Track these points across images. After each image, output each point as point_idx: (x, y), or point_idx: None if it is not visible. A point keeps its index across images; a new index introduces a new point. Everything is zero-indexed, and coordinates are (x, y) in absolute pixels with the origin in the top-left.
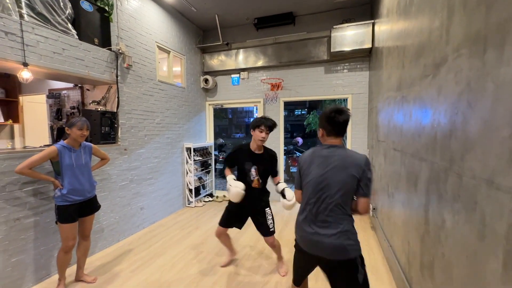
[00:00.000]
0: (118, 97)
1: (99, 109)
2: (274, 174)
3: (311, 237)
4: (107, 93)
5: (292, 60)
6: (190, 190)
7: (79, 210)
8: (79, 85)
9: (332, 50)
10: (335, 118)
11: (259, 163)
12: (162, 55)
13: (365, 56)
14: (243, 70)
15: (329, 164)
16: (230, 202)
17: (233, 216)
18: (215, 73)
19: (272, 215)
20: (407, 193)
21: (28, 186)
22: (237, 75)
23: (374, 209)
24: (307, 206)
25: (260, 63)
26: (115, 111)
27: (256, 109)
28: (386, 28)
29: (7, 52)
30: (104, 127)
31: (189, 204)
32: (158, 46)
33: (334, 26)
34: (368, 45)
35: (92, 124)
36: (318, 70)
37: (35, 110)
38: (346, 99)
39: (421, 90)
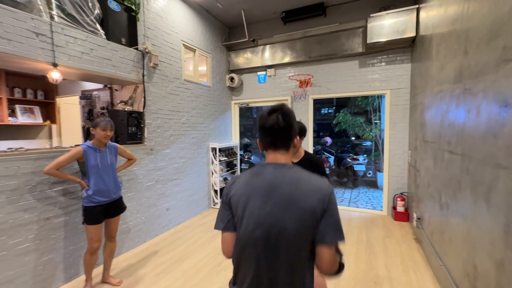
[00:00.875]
0: (144, 97)
1: (126, 109)
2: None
3: None
4: (134, 93)
5: (323, 54)
6: (216, 191)
7: (104, 212)
8: (108, 85)
9: (368, 41)
10: (265, 124)
11: None
12: (187, 55)
13: (406, 47)
14: (270, 67)
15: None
16: None
17: None
18: (240, 71)
19: None
20: (472, 206)
21: (58, 186)
22: (264, 73)
23: (419, 218)
24: (245, 267)
25: (287, 59)
26: (142, 111)
27: None
28: (438, 12)
29: (38, 53)
30: (131, 127)
31: (214, 205)
32: (184, 45)
33: (371, 15)
34: (411, 33)
35: (119, 124)
36: (351, 64)
37: (70, 111)
38: (383, 96)
39: (497, 79)
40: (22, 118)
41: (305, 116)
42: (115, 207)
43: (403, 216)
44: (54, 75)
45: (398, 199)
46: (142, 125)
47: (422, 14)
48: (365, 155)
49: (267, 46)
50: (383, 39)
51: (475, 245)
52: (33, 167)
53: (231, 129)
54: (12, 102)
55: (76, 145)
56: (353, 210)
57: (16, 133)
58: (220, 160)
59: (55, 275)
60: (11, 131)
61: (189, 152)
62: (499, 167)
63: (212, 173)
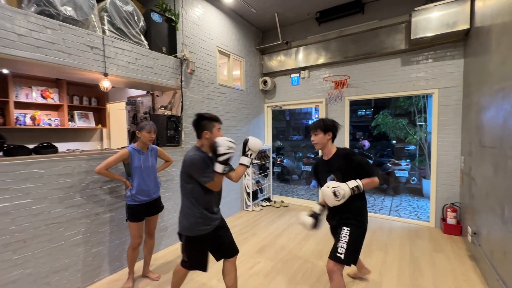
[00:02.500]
0: (182, 102)
1: (165, 114)
2: (364, 175)
3: None
4: (173, 98)
5: (360, 53)
6: (248, 194)
7: (145, 210)
8: (150, 91)
9: (412, 37)
10: None
11: (332, 170)
12: (222, 60)
13: (458, 41)
14: (303, 68)
15: None
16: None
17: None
18: (273, 74)
19: (350, 237)
20: None
21: (106, 184)
22: (297, 75)
23: (475, 233)
24: None
25: (322, 60)
26: (179, 115)
27: (316, 109)
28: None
29: (92, 64)
30: (170, 130)
31: (246, 208)
32: (219, 50)
33: (416, 8)
34: (464, 26)
35: (159, 127)
36: (392, 62)
37: (118, 115)
38: (431, 95)
39: None
40: (79, 123)
41: (341, 118)
42: (155, 206)
43: (454, 230)
44: (105, 84)
45: (449, 210)
46: (179, 129)
47: (478, 3)
48: (408, 160)
49: (301, 48)
50: (430, 34)
51: None
52: (86, 166)
53: (264, 132)
54: (71, 108)
55: (123, 147)
56: (395, 219)
57: (73, 135)
58: (253, 163)
59: (102, 266)
60: (70, 134)
61: None
62: None
63: (245, 176)
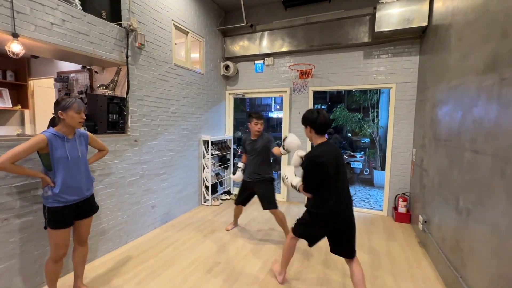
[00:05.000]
0: (128, 81)
1: (107, 94)
2: None
3: None
4: (116, 76)
5: (325, 43)
6: (207, 187)
7: (75, 212)
8: (88, 67)
9: (376, 30)
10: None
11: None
12: (179, 39)
13: (415, 38)
14: (268, 55)
15: None
16: None
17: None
18: (236, 59)
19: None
20: (510, 216)
21: (20, 180)
22: (261, 61)
23: (425, 222)
24: None
25: (287, 47)
26: (125, 96)
27: (275, 101)
28: None
29: None
30: (112, 114)
31: (205, 202)
32: (175, 25)
33: (381, 1)
34: (422, 23)
35: (98, 110)
36: (356, 55)
37: (45, 95)
38: (383, 91)
39: None
40: None
41: (305, 109)
42: (88, 207)
43: (404, 218)
44: (14, 48)
45: (400, 199)
46: (125, 113)
47: (437, 2)
48: (362, 152)
49: (266, 33)
50: (392, 28)
51: None
52: None
53: (225, 121)
54: None
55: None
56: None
57: None
58: (212, 154)
59: (12, 285)
60: None
61: (178, 144)
62: None
63: (204, 168)
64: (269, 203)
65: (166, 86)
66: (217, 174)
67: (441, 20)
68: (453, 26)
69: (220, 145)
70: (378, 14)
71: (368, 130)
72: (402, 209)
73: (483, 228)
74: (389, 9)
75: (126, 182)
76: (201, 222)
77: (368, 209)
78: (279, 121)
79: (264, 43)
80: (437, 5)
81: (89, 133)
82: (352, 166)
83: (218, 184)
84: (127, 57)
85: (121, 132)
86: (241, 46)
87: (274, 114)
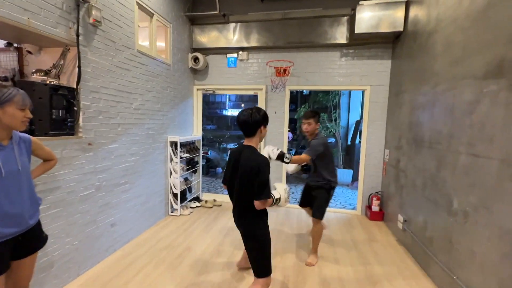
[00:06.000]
0: (79, 67)
1: (48, 82)
2: None
3: None
4: (62, 59)
5: (303, 41)
6: (175, 195)
7: (13, 250)
8: (16, 44)
9: (356, 32)
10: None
11: None
12: (143, 23)
13: (388, 42)
14: (242, 49)
15: None
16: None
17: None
18: (206, 50)
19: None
20: None
21: None
22: (234, 55)
23: (405, 221)
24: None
25: (263, 42)
26: (75, 87)
27: (229, 99)
28: (448, 3)
29: None
30: (57, 110)
31: (172, 212)
32: (138, 3)
33: (361, 2)
34: (399, 28)
35: (35, 104)
36: (333, 55)
37: None
38: (344, 92)
39: None
40: None
41: (281, 108)
42: (32, 240)
43: (378, 216)
44: None
45: (374, 198)
46: (75, 108)
47: (412, 10)
48: None
49: (239, 25)
50: (371, 31)
51: None
52: None
53: (193, 119)
54: None
55: None
56: (327, 210)
57: None
58: (181, 157)
59: None
60: None
61: (142, 147)
62: None
63: (171, 173)
64: (315, 211)
65: (128, 77)
66: (186, 179)
67: (421, 26)
68: (439, 31)
69: (189, 146)
70: (357, 16)
71: (332, 130)
72: (375, 208)
73: (489, 232)
74: (369, 12)
75: (77, 198)
76: (172, 238)
77: (342, 209)
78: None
79: (238, 36)
80: (414, 12)
81: (32, 138)
82: None
83: (187, 190)
84: (77, 35)
85: (69, 133)
86: (211, 36)
87: (229, 112)
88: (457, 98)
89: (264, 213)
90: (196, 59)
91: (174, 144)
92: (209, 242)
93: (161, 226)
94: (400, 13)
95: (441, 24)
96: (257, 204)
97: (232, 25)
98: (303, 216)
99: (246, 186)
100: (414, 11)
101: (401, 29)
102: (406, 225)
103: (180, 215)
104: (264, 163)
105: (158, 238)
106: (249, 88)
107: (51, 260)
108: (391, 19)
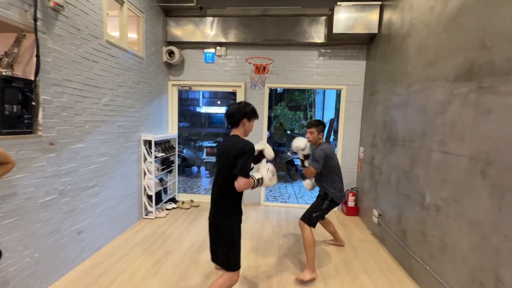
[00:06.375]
0: (37, 56)
1: None
2: None
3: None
4: (16, 47)
5: (282, 39)
6: (149, 197)
7: None
8: None
9: (334, 32)
10: None
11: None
12: (112, 11)
13: (363, 44)
14: (220, 44)
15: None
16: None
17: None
18: (182, 44)
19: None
20: (495, 213)
21: None
22: (212, 50)
23: (380, 215)
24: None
25: (242, 38)
26: (33, 79)
27: (203, 96)
28: (421, 8)
29: None
30: (10, 105)
31: (147, 215)
32: None
33: (339, 3)
34: (373, 30)
35: None
36: (311, 54)
37: None
38: (318, 91)
39: None
40: None
41: (260, 106)
42: None
43: (354, 211)
44: None
45: (350, 194)
46: (33, 103)
47: (388, 12)
48: None
49: (217, 19)
50: (348, 32)
51: (498, 255)
52: None
53: (168, 117)
54: None
55: None
56: (305, 207)
57: None
58: (156, 157)
59: None
60: None
61: (113, 146)
62: None
63: (145, 174)
64: (304, 213)
65: (96, 69)
66: (161, 180)
67: (395, 29)
68: (413, 35)
69: (164, 145)
70: (335, 16)
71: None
72: (351, 203)
73: (459, 224)
74: (345, 13)
75: (37, 205)
76: (148, 242)
77: None
78: (207, 116)
79: (215, 31)
80: (388, 15)
81: None
82: (295, 163)
83: (162, 191)
84: (35, 20)
85: (26, 132)
86: (187, 30)
87: (203, 109)
88: (429, 98)
89: (239, 211)
90: (171, 53)
91: (148, 143)
92: (188, 245)
93: (134, 231)
94: (374, 15)
95: (415, 28)
96: (239, 183)
97: (210, 19)
98: (284, 215)
99: (228, 168)
100: (388, 15)
101: (376, 31)
102: (380, 219)
103: (156, 217)
104: (249, 146)
105: (132, 244)
106: (227, 85)
107: (6, 277)
108: (366, 21)
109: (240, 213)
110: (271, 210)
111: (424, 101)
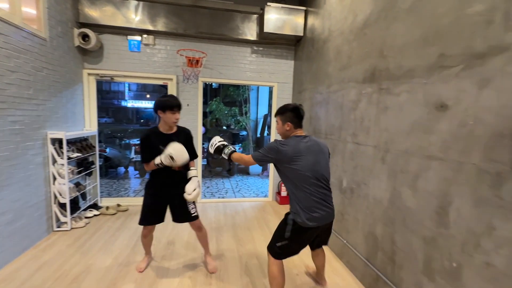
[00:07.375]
0: None
1: None
2: (191, 156)
3: (326, 212)
4: None
5: (216, 33)
6: (62, 205)
7: None
8: None
9: (265, 31)
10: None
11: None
12: None
13: (291, 45)
14: (147, 32)
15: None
16: (146, 195)
17: (153, 210)
18: (100, 28)
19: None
20: (381, 191)
21: None
22: (138, 38)
23: None
24: (311, 188)
25: (172, 28)
26: None
27: (130, 88)
28: (338, 18)
29: None
30: None
31: (59, 227)
32: None
33: (269, 3)
34: (299, 33)
35: None
36: (244, 51)
37: None
38: (252, 88)
39: (429, 82)
40: None
41: (194, 101)
42: None
43: (286, 200)
44: None
45: (282, 184)
46: None
47: (311, 17)
48: (240, 144)
49: (143, 4)
50: (277, 32)
51: (394, 224)
52: None
53: (84, 112)
54: None
55: None
56: (242, 200)
57: None
58: (69, 158)
59: None
60: None
61: (5, 147)
62: (431, 158)
63: (55, 178)
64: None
65: None
66: (77, 184)
67: (318, 34)
68: (331, 41)
69: (80, 144)
70: (266, 16)
71: (243, 123)
72: (284, 193)
73: (367, 202)
74: (275, 14)
75: None
76: (63, 258)
77: (255, 198)
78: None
79: (140, 16)
80: (312, 21)
81: None
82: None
83: (80, 197)
84: None
85: None
86: (105, 12)
87: (129, 103)
88: (345, 97)
89: (150, 179)
90: (85, 37)
91: (58, 142)
92: (115, 255)
93: (42, 248)
94: (300, 19)
95: (333, 35)
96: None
97: (134, 2)
98: (222, 210)
99: None
100: (311, 20)
101: (302, 34)
102: None
103: (72, 229)
104: (143, 133)
105: (39, 264)
106: (157, 77)
107: None
108: (293, 24)
109: (150, 180)
110: (208, 206)
111: (341, 99)
